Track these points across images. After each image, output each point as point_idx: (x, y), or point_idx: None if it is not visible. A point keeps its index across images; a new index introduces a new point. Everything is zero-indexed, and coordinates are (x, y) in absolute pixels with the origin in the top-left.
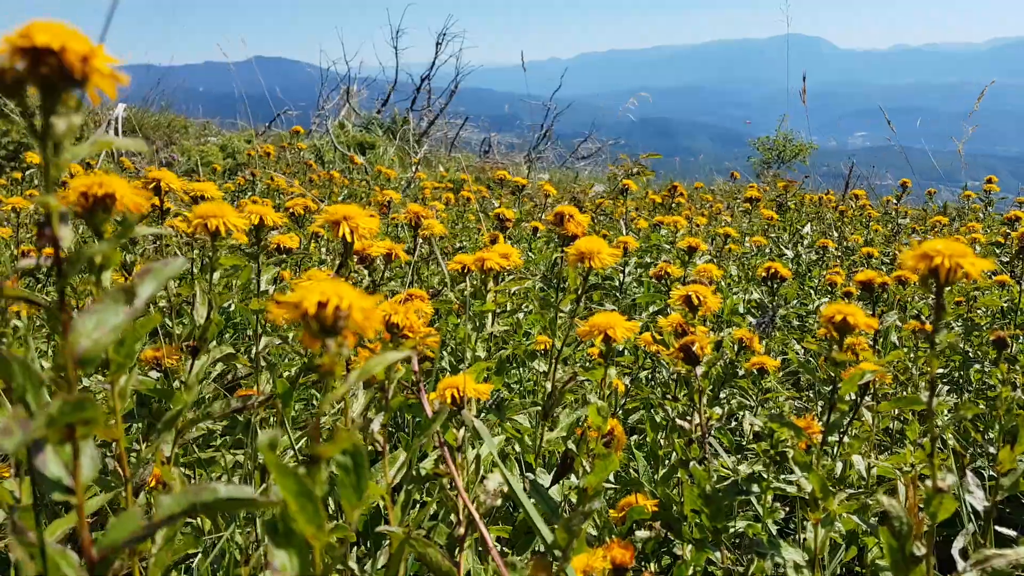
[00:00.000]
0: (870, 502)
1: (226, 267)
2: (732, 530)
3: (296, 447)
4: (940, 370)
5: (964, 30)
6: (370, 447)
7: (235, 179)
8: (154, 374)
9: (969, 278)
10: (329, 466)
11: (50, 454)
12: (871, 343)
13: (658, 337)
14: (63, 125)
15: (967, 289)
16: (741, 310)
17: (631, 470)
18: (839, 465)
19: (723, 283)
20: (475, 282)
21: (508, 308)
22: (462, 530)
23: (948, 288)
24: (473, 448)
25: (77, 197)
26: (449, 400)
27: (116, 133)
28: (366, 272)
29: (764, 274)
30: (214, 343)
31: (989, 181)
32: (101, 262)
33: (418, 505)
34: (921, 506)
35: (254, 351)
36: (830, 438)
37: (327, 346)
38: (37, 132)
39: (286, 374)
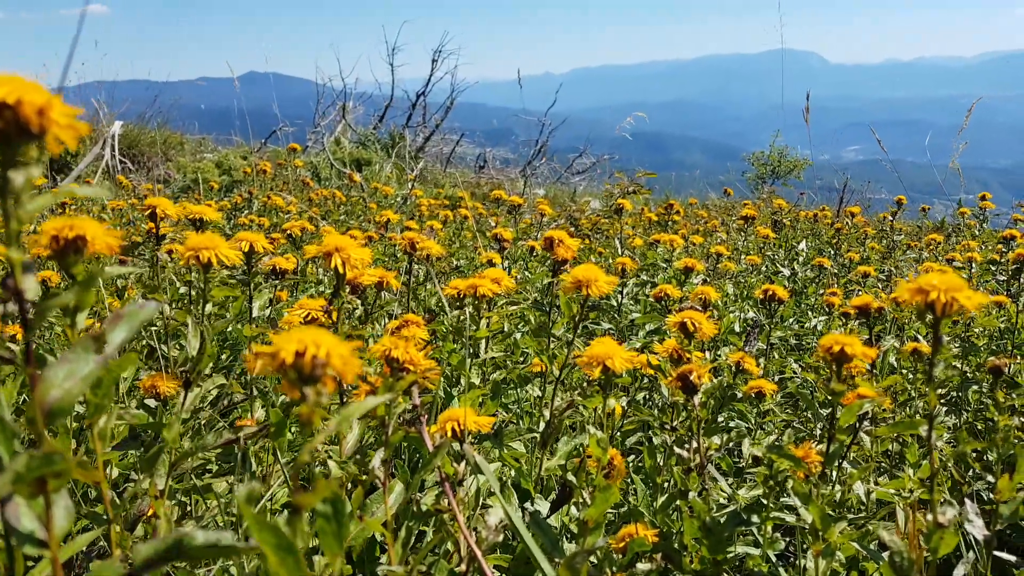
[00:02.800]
0: (870, 527)
1: (218, 299)
2: (732, 555)
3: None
4: (939, 391)
5: (954, 44)
6: (364, 477)
7: (231, 196)
8: (151, 402)
9: (965, 312)
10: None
11: (22, 507)
12: (869, 366)
13: (655, 362)
14: (21, 179)
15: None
16: (737, 329)
17: (630, 493)
18: (838, 489)
19: (719, 302)
20: (469, 308)
21: (504, 329)
22: (464, 567)
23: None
24: (472, 479)
25: (48, 240)
26: (450, 433)
27: (112, 151)
28: (358, 301)
29: (762, 296)
30: (209, 371)
31: (983, 198)
32: (75, 304)
33: (415, 537)
34: (922, 538)
35: (248, 376)
36: (832, 463)
37: (306, 395)
38: None
39: (281, 399)
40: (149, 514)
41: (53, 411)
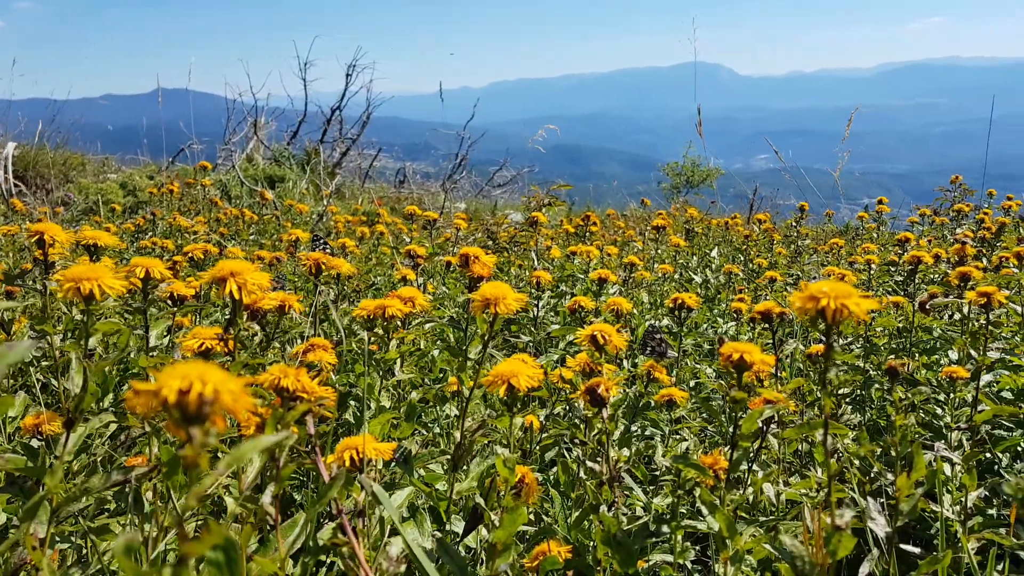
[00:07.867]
0: (780, 527)
1: (103, 332)
2: (648, 565)
3: (183, 518)
4: (844, 390)
5: (854, 57)
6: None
7: (135, 218)
8: (35, 443)
9: (855, 318)
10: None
11: None
12: (774, 370)
13: (568, 376)
14: None
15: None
16: None
17: (547, 507)
18: (749, 491)
19: (635, 310)
20: (379, 329)
21: (421, 348)
22: None
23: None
24: (377, 509)
25: None
26: (348, 463)
27: (6, 173)
28: (258, 328)
29: (672, 304)
30: (107, 405)
31: (880, 202)
32: None
33: (314, 572)
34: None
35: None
36: (741, 467)
37: (192, 435)
38: None
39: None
40: (31, 564)
41: None
